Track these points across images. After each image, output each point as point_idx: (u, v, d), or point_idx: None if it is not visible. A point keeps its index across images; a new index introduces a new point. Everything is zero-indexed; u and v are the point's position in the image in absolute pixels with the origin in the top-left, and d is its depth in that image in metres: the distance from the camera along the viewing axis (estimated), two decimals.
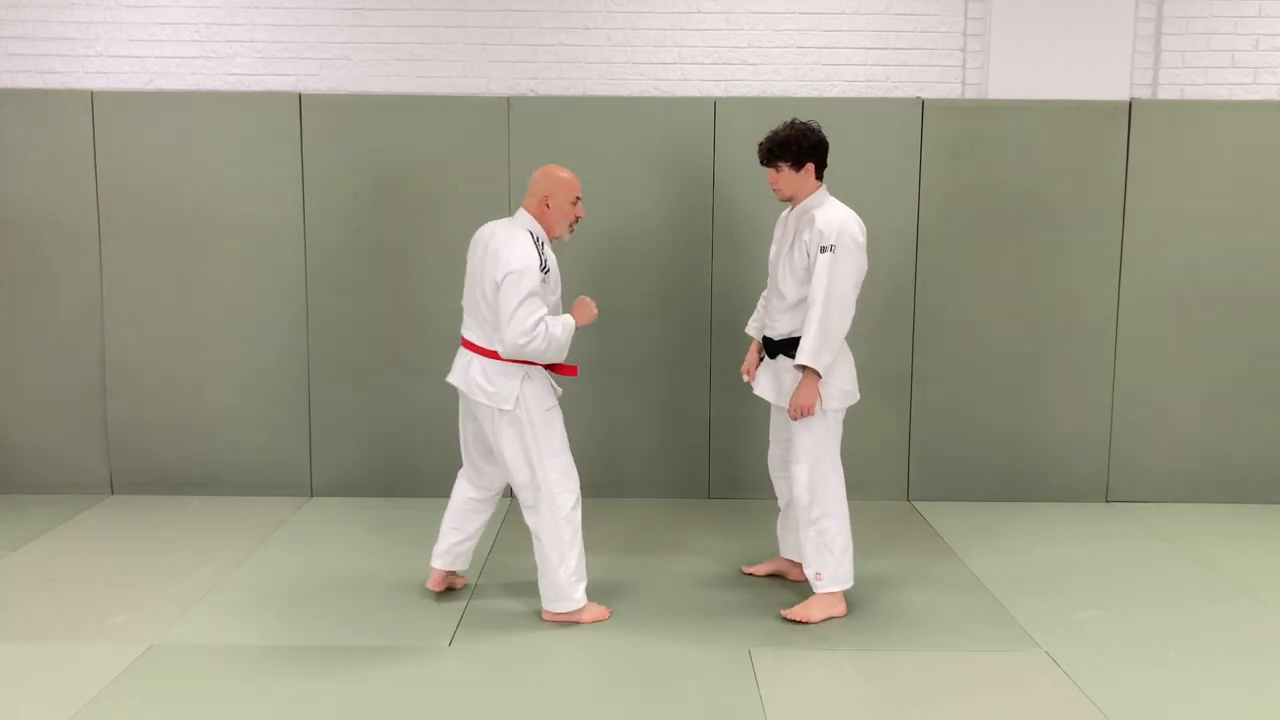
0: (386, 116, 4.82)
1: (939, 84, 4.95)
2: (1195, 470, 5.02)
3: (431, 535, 3.94)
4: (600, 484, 4.96)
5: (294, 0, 4.87)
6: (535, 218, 3.45)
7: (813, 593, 3.58)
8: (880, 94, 4.94)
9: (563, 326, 3.36)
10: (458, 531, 3.68)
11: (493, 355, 3.40)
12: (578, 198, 3.50)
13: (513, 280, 3.26)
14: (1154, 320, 4.93)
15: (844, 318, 3.39)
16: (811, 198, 3.50)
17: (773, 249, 3.71)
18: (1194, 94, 4.94)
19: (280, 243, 4.87)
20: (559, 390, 3.54)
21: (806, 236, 3.43)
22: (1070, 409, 4.98)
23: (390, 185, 4.84)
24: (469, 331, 3.49)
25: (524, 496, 3.48)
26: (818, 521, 3.51)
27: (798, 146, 3.44)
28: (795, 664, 3.23)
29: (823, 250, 3.36)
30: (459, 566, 3.74)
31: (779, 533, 3.94)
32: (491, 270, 3.34)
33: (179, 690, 3.03)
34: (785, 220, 3.63)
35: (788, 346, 3.52)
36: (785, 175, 3.49)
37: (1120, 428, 4.99)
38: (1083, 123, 4.82)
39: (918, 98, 4.88)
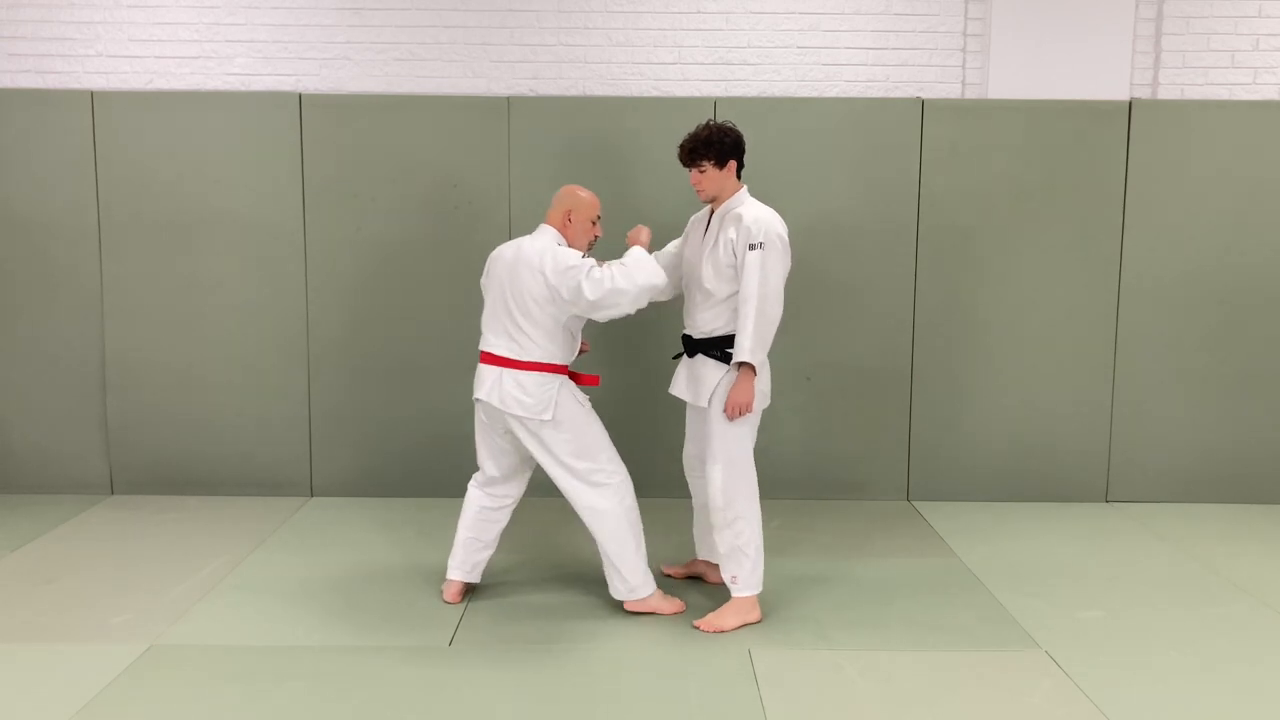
0: (386, 116, 4.82)
1: (939, 84, 4.96)
2: (1195, 470, 5.02)
3: (431, 535, 3.95)
4: None
5: (294, 0, 4.88)
6: (558, 230, 3.51)
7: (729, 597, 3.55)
8: (880, 94, 4.94)
9: (629, 255, 3.45)
10: (477, 541, 3.67)
11: (526, 367, 3.42)
12: (598, 217, 3.58)
13: (571, 271, 3.34)
14: (1154, 320, 4.93)
15: (776, 312, 3.42)
16: (734, 197, 3.54)
17: (686, 249, 3.73)
18: (1194, 94, 4.94)
19: (280, 243, 4.87)
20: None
21: (732, 235, 3.44)
22: (1070, 409, 4.98)
23: (390, 185, 4.84)
24: (495, 346, 3.48)
25: (579, 497, 3.51)
26: (733, 524, 3.49)
27: (719, 145, 3.48)
28: (795, 664, 3.23)
29: (751, 248, 3.38)
30: (477, 578, 3.72)
31: (695, 534, 3.93)
32: (530, 281, 3.38)
33: (179, 690, 3.02)
34: (704, 220, 3.65)
35: (708, 345, 3.53)
36: (709, 175, 3.51)
37: (1120, 428, 4.99)
38: (1083, 123, 4.82)
39: (918, 98, 4.88)
